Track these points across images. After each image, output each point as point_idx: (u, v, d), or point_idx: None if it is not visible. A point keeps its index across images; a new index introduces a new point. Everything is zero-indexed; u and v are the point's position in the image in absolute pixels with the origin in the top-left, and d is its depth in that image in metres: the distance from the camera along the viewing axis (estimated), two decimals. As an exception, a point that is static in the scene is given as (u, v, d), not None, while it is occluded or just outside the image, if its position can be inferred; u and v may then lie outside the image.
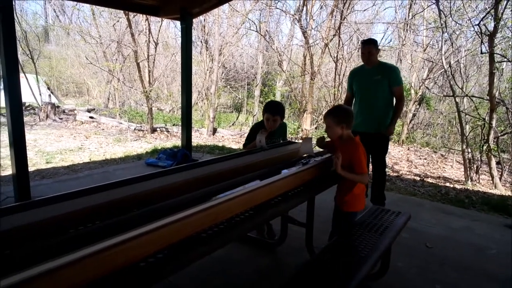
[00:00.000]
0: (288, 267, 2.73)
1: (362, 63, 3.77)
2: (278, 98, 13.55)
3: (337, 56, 9.42)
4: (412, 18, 10.41)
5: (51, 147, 7.44)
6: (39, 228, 1.36)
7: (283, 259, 2.87)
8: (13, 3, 3.22)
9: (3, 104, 11.91)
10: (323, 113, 11.23)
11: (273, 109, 2.89)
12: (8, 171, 5.26)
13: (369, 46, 3.56)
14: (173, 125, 10.96)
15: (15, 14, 3.89)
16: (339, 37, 9.32)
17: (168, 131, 10.07)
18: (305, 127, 10.08)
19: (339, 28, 9.18)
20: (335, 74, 9.61)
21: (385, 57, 12.30)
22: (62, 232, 1.35)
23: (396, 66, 4.18)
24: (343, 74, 9.37)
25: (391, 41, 12.92)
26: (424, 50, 10.07)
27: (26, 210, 1.38)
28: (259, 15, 12.26)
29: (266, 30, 12.52)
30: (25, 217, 1.35)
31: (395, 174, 6.05)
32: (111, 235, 1.15)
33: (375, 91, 3.59)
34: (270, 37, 12.66)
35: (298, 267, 1.80)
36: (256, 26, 11.29)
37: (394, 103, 3.70)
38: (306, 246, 2.77)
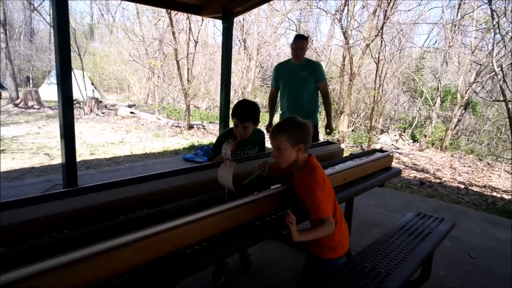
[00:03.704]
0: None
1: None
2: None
3: (378, 57, 9.18)
4: (461, 18, 9.93)
5: (95, 140, 7.79)
6: (88, 212, 1.44)
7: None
8: (67, 3, 3.38)
9: (50, 98, 12.61)
10: (353, 112, 10.94)
11: (242, 114, 2.23)
12: (58, 160, 5.59)
13: (304, 42, 3.55)
14: (210, 122, 11.13)
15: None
16: (382, 37, 9.07)
17: (204, 128, 10.24)
18: (342, 129, 9.90)
19: (381, 28, 8.93)
20: (376, 76, 9.37)
21: (429, 59, 11.84)
22: (110, 217, 1.42)
23: (320, 62, 4.13)
24: (384, 76, 9.11)
25: (436, 42, 12.41)
26: (472, 52, 9.58)
27: (79, 195, 1.46)
28: (299, 14, 12.17)
29: (305, 30, 12.42)
30: (74, 202, 1.43)
31: (437, 180, 5.81)
32: (156, 223, 1.20)
33: (303, 87, 3.60)
34: (309, 37, 12.54)
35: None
36: (296, 26, 11.22)
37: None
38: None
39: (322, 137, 3.91)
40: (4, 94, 16.53)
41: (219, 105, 5.63)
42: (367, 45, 9.31)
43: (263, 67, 13.49)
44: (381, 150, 3.03)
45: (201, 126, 10.36)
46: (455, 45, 10.23)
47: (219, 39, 18.88)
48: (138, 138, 8.44)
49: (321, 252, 1.71)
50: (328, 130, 3.74)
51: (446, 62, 10.52)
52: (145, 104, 15.25)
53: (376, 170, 2.59)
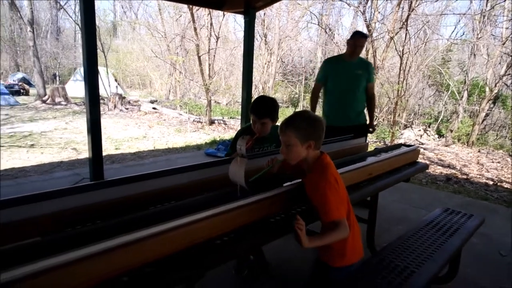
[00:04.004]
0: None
1: (362, 57, 3.78)
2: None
3: (402, 50, 8.95)
4: (491, 8, 9.54)
5: (119, 135, 7.98)
6: (115, 204, 1.48)
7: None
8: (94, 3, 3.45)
9: (76, 94, 12.96)
10: (384, 108, 10.74)
11: (259, 110, 2.18)
12: (85, 154, 5.75)
13: (364, 40, 3.43)
14: (230, 118, 11.18)
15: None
16: (406, 29, 8.83)
17: (225, 123, 10.30)
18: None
19: (406, 20, 8.70)
20: (400, 69, 9.15)
21: (456, 51, 11.46)
22: (136, 209, 1.45)
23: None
24: (408, 70, 8.88)
25: (463, 34, 12.00)
26: (503, 44, 9.20)
27: (108, 187, 1.51)
28: (321, 8, 12.01)
29: (326, 24, 12.26)
30: (103, 194, 1.47)
31: (464, 176, 5.64)
32: (177, 216, 1.22)
33: (355, 86, 3.49)
34: (330, 30, 12.37)
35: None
36: (318, 19, 11.09)
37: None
38: (367, 244, 2.69)
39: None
40: (32, 91, 17.13)
41: (239, 100, 5.64)
42: (391, 38, 9.10)
43: (283, 62, 13.41)
44: (406, 145, 2.96)
45: (222, 121, 10.43)
46: (484, 36, 9.85)
47: (240, 34, 18.88)
48: (160, 133, 8.58)
49: (332, 258, 1.58)
50: (371, 129, 3.70)
51: (474, 54, 10.16)
52: (167, 100, 15.47)
53: (402, 164, 2.54)
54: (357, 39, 3.35)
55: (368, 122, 3.74)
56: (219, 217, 1.31)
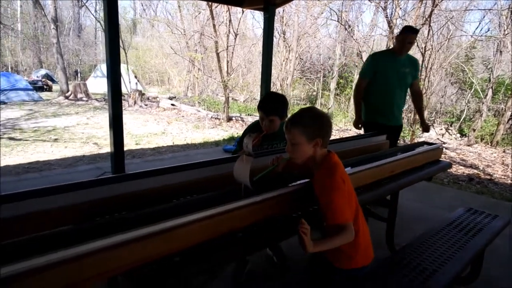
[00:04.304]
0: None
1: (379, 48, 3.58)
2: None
3: (425, 47, 8.76)
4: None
5: (139, 130, 8.11)
6: (141, 196, 1.52)
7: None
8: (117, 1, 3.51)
9: (96, 90, 13.27)
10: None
11: (267, 107, 2.13)
12: (106, 149, 5.88)
13: (415, 36, 3.28)
14: (248, 115, 11.21)
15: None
16: (429, 26, 8.63)
17: (243, 120, 10.33)
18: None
19: (429, 16, 8.50)
20: (422, 67, 8.95)
21: (481, 48, 11.14)
22: (159, 201, 1.49)
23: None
24: (431, 67, 8.69)
25: (488, 30, 11.63)
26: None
27: (131, 180, 1.55)
28: (341, 4, 11.87)
29: (346, 20, 12.10)
30: (126, 187, 1.52)
31: (487, 177, 5.49)
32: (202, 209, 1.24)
33: (403, 83, 3.37)
34: (350, 27, 12.22)
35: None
36: (338, 16, 10.97)
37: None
38: (387, 242, 2.66)
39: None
40: (55, 87, 17.59)
41: (256, 97, 5.65)
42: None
43: (302, 59, 13.32)
44: (429, 143, 2.91)
45: (239, 118, 10.46)
46: (511, 32, 9.53)
47: (258, 31, 18.89)
48: (179, 129, 8.68)
49: (339, 259, 1.51)
50: (424, 127, 3.55)
51: (500, 51, 9.84)
52: (185, 97, 15.61)
53: (424, 162, 2.50)
54: (407, 35, 3.19)
55: (420, 120, 3.60)
56: (242, 211, 1.33)
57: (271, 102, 2.15)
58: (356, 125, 3.55)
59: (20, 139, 6.67)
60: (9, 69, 23.85)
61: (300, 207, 1.62)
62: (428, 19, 8.56)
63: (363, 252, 1.50)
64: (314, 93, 16.02)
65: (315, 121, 1.42)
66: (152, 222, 1.10)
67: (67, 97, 13.76)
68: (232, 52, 11.33)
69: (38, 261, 0.87)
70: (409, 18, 9.83)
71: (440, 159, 2.77)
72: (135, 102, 12.36)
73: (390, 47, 3.96)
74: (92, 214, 1.36)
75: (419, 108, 3.61)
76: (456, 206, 3.46)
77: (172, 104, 12.37)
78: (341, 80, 13.46)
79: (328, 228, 1.41)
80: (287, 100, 2.28)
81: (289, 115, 2.21)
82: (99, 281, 1.00)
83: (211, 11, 9.78)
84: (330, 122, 1.46)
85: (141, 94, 13.00)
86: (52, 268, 0.88)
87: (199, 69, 13.39)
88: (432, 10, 8.54)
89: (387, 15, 9.44)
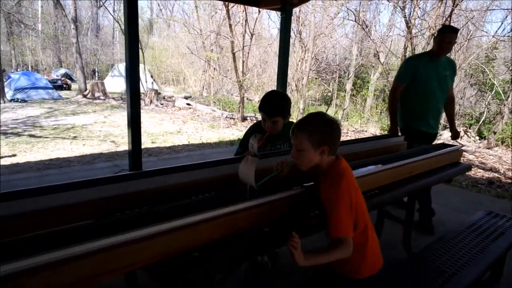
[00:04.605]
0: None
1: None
2: (371, 91, 12.88)
3: (443, 47, 8.58)
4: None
5: (155, 129, 8.21)
6: (160, 192, 1.55)
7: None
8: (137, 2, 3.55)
9: (113, 89, 13.49)
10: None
11: (269, 109, 2.04)
12: (123, 147, 5.98)
13: (455, 36, 3.02)
14: (263, 114, 11.19)
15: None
16: (448, 26, 8.46)
17: (257, 120, 10.33)
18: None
19: (450, 16, 8.34)
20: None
21: (502, 48, 10.87)
22: (176, 198, 1.52)
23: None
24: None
25: (510, 30, 11.33)
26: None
27: (148, 177, 1.57)
28: (358, 4, 11.75)
29: (363, 20, 11.98)
30: (144, 183, 1.54)
31: (508, 180, 5.35)
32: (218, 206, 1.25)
33: (443, 87, 3.16)
34: (367, 27, 12.08)
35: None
36: (355, 16, 10.87)
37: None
38: (403, 244, 2.62)
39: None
40: (74, 85, 17.97)
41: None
42: (432, 34, 8.75)
43: (317, 59, 13.25)
44: (449, 144, 2.86)
45: (254, 118, 10.47)
46: (534, 33, 9.28)
47: (274, 31, 18.87)
48: (194, 128, 8.75)
49: (344, 268, 1.44)
50: (454, 134, 3.40)
51: (523, 52, 9.59)
52: (201, 96, 15.72)
53: (443, 164, 2.46)
54: (446, 35, 2.95)
55: (449, 126, 3.44)
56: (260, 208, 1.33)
57: (273, 103, 2.06)
58: (394, 132, 3.29)
59: (40, 136, 6.84)
60: (30, 68, 24.49)
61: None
62: (448, 19, 8.40)
63: (370, 262, 1.44)
64: (329, 93, 15.91)
65: (322, 127, 1.36)
66: (170, 218, 1.12)
67: (85, 96, 14.03)
68: (248, 52, 11.34)
69: (60, 253, 0.89)
70: (428, 18, 9.66)
71: (459, 161, 2.71)
72: (151, 101, 12.51)
73: (426, 49, 3.78)
74: (111, 210, 1.39)
75: (450, 114, 3.37)
76: (476, 209, 3.39)
77: (188, 104, 12.47)
78: (358, 81, 13.33)
79: (328, 239, 1.36)
80: (289, 97, 2.21)
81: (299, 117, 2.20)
82: (119, 274, 1.02)
83: (227, 11, 9.83)
84: (339, 129, 1.40)
85: (157, 93, 13.16)
86: (73, 261, 0.91)
87: (214, 68, 13.47)
88: (452, 10, 8.38)
89: (405, 15, 9.30)
